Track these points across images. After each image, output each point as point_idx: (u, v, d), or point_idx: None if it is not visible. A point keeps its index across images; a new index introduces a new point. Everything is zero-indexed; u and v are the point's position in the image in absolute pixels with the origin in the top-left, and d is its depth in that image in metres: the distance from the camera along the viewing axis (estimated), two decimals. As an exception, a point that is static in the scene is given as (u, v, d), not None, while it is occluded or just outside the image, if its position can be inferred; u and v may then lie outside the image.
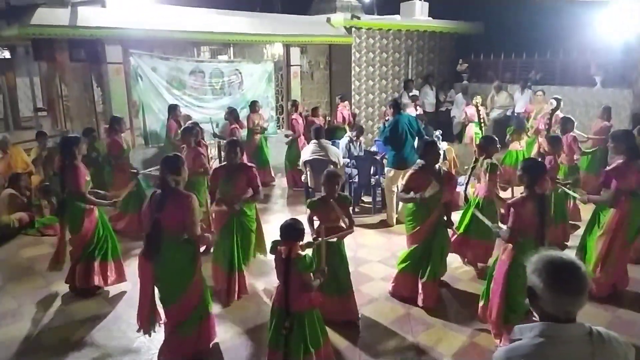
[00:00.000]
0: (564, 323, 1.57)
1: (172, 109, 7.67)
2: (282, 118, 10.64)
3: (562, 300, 1.56)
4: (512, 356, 1.59)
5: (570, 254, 1.63)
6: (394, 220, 6.65)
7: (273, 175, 8.90)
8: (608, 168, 4.48)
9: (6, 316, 4.37)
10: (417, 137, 6.62)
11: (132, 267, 5.23)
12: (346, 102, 9.87)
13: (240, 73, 9.53)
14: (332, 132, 9.12)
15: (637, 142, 4.59)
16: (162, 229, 3.35)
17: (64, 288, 4.88)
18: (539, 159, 5.10)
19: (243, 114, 9.42)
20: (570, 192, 5.10)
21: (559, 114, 7.75)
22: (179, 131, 6.53)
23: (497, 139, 5.37)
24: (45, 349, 3.88)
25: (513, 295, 3.65)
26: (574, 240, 5.22)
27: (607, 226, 4.53)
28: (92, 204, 4.59)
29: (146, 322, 3.59)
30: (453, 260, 5.26)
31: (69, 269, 4.75)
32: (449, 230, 4.61)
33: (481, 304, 4.05)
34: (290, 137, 8.72)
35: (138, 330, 3.66)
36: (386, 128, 6.48)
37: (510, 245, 3.66)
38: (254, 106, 8.60)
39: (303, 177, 7.18)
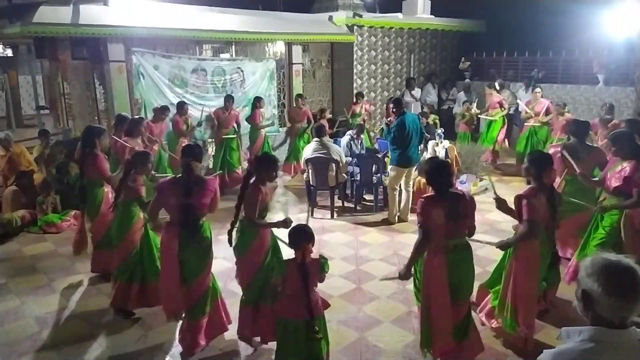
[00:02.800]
0: (617, 328, 1.51)
1: (180, 106, 7.79)
2: (283, 115, 10.64)
3: (621, 305, 1.50)
4: None
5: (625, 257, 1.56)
6: (396, 219, 6.64)
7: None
8: (629, 171, 4.13)
9: (9, 313, 4.39)
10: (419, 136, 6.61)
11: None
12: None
13: (242, 71, 9.53)
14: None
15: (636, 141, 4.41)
16: (196, 214, 3.56)
17: (66, 285, 4.91)
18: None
19: (245, 112, 9.43)
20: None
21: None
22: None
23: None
24: (47, 346, 3.89)
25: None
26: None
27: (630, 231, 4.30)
28: (115, 182, 4.61)
29: (174, 308, 3.74)
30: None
31: (92, 256, 4.98)
32: None
33: (491, 305, 3.89)
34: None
35: (168, 320, 3.85)
36: (392, 127, 6.46)
37: (535, 240, 3.53)
38: (258, 102, 8.65)
39: (305, 175, 7.18)
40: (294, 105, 9.35)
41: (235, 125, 8.28)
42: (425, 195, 3.46)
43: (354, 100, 9.88)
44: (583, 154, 4.91)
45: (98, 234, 4.94)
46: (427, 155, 7.54)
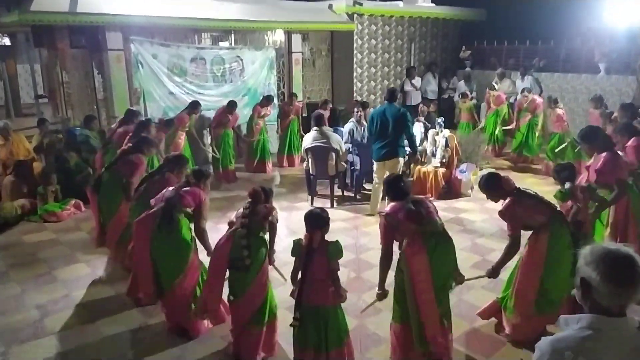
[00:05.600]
0: (615, 316, 1.53)
1: (194, 106, 7.69)
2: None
3: (619, 293, 1.51)
4: (558, 347, 1.54)
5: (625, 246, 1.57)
6: (376, 211, 6.43)
7: (270, 166, 8.94)
8: (600, 165, 4.20)
9: (10, 302, 4.41)
10: (403, 131, 6.24)
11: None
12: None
13: (241, 60, 9.48)
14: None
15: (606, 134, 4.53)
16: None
17: (67, 274, 4.93)
18: None
19: (244, 102, 9.41)
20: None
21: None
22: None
23: None
24: (48, 334, 3.91)
25: (551, 283, 3.54)
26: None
27: (613, 221, 4.46)
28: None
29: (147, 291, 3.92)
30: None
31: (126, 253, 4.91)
32: None
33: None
34: None
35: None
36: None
37: (544, 234, 3.55)
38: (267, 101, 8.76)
39: (305, 165, 7.17)
40: (287, 100, 9.35)
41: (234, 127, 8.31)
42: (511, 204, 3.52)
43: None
44: None
45: (115, 232, 4.94)
46: (427, 144, 7.54)
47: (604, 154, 4.23)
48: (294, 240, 3.19)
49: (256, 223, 3.41)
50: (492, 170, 4.70)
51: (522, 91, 9.16)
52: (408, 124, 6.28)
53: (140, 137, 5.23)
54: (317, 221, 3.13)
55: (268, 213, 3.47)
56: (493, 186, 3.63)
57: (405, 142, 6.43)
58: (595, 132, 4.45)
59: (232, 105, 8.13)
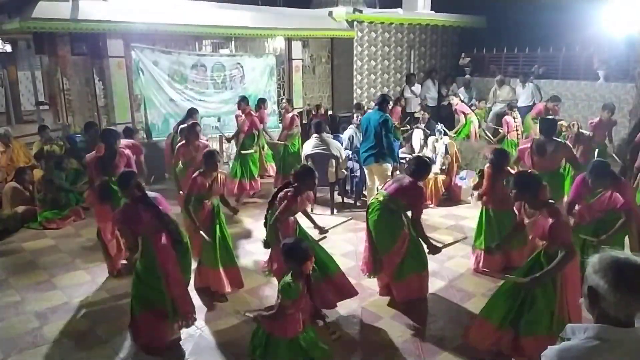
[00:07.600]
0: (623, 327, 1.51)
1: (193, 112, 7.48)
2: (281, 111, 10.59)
3: (627, 301, 1.49)
4: (564, 357, 1.52)
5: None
6: None
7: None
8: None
9: (9, 309, 4.40)
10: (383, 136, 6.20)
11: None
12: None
13: (241, 67, 9.51)
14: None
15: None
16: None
17: (66, 281, 4.92)
18: None
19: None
20: None
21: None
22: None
23: None
24: (48, 341, 3.90)
25: None
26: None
27: None
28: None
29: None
30: (454, 254, 5.27)
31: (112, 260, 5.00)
32: None
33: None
34: None
35: None
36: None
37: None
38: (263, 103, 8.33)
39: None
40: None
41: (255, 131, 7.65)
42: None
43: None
44: (549, 149, 5.11)
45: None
46: (426, 151, 7.54)
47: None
48: (293, 284, 2.98)
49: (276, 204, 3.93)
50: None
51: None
52: (388, 131, 6.23)
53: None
54: (306, 252, 3.04)
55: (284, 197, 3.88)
56: (529, 189, 3.26)
57: (404, 148, 6.47)
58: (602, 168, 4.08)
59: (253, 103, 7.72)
